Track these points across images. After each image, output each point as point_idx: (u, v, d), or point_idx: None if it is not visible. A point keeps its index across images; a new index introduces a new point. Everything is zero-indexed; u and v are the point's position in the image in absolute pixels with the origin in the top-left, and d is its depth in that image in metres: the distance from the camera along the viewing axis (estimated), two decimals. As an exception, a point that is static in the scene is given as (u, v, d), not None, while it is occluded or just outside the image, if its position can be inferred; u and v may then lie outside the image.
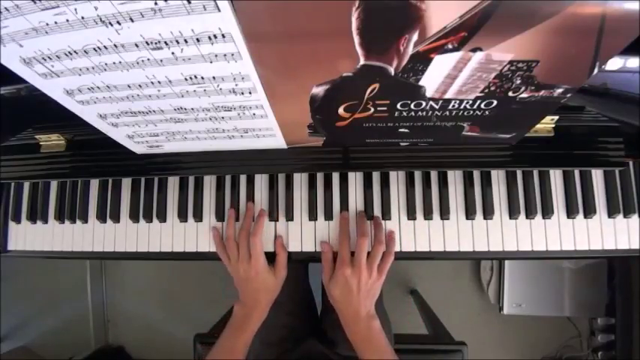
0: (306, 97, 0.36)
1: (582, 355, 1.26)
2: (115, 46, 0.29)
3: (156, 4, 0.25)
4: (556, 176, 0.55)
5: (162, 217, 0.60)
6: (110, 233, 0.61)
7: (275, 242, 0.58)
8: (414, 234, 0.56)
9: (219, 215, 0.59)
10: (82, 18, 0.26)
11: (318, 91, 0.35)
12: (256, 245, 0.55)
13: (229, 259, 0.56)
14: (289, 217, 0.58)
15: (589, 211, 0.54)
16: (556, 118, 0.48)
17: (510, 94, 0.35)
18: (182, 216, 0.60)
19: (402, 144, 0.50)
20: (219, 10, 0.25)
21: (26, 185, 0.65)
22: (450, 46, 0.29)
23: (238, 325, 0.56)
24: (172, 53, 0.29)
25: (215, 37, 0.28)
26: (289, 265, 0.59)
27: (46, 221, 0.63)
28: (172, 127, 0.43)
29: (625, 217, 0.54)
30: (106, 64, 0.31)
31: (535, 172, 0.55)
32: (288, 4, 0.25)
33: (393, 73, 0.32)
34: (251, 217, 0.58)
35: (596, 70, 0.30)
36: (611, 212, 0.54)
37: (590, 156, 0.50)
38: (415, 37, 0.28)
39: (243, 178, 0.59)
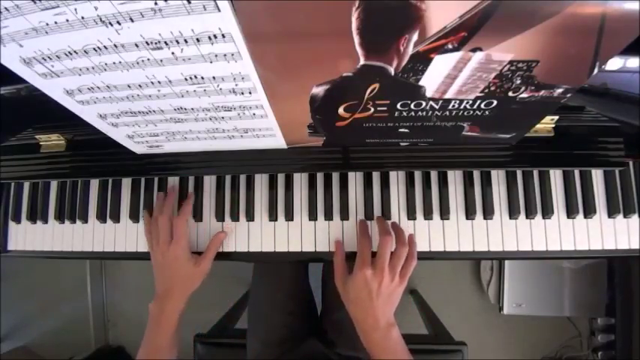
0: (306, 97, 0.36)
1: (582, 355, 1.26)
2: (115, 46, 0.29)
3: (156, 4, 0.25)
4: (556, 176, 0.55)
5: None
6: (110, 233, 0.61)
7: (216, 235, 0.57)
8: (415, 234, 0.56)
9: (220, 215, 0.59)
10: (82, 18, 0.26)
11: (318, 91, 0.35)
12: (179, 226, 0.54)
13: (152, 243, 0.55)
14: (289, 217, 0.58)
15: (589, 211, 0.54)
16: (556, 118, 0.48)
17: (510, 94, 0.35)
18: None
19: (402, 144, 0.50)
20: (219, 10, 0.25)
21: (26, 185, 0.65)
22: (450, 46, 0.29)
23: (154, 325, 0.53)
24: (172, 53, 0.29)
25: (215, 37, 0.28)
26: (289, 265, 0.58)
27: (46, 221, 0.63)
28: (172, 127, 0.43)
29: (625, 217, 0.54)
30: (106, 64, 0.31)
31: (535, 172, 0.55)
32: (288, 4, 0.25)
33: (393, 73, 0.32)
34: (172, 202, 0.57)
35: (596, 70, 0.30)
36: (611, 212, 0.54)
37: (590, 156, 0.50)
38: (415, 37, 0.28)
39: (243, 178, 0.59)
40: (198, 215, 0.59)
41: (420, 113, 0.39)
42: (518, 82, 0.33)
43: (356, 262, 0.50)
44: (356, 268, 0.49)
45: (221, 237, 0.57)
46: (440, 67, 0.31)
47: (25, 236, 0.64)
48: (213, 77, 0.33)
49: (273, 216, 0.58)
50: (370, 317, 0.48)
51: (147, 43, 0.28)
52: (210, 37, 0.28)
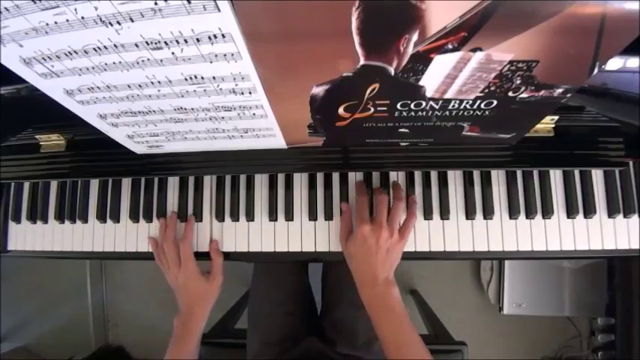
0: (306, 97, 0.36)
1: (582, 355, 1.26)
2: (115, 46, 0.29)
3: (156, 4, 0.25)
4: (556, 176, 0.55)
5: (163, 217, 0.60)
6: (110, 233, 0.61)
7: (210, 246, 0.58)
8: (414, 234, 0.56)
9: (220, 215, 0.59)
10: (82, 18, 0.26)
11: (318, 91, 0.35)
12: (185, 250, 0.55)
13: (164, 267, 0.57)
14: (289, 217, 0.58)
15: (589, 211, 0.54)
16: (556, 118, 0.48)
17: (510, 94, 0.35)
18: (182, 216, 0.59)
19: (402, 144, 0.50)
20: (219, 10, 0.25)
21: (26, 185, 0.65)
22: (450, 46, 0.29)
23: (177, 338, 0.55)
24: (172, 53, 0.29)
25: (215, 37, 0.28)
26: (289, 264, 0.58)
27: (46, 221, 0.63)
28: (172, 127, 0.43)
29: (625, 217, 0.54)
30: (106, 64, 0.31)
31: (535, 172, 0.55)
32: (288, 4, 0.25)
33: (393, 73, 0.32)
34: (174, 226, 0.58)
35: (596, 70, 0.30)
36: (611, 212, 0.54)
37: (590, 156, 0.50)
38: (415, 37, 0.28)
39: (243, 178, 0.59)
40: (198, 215, 0.59)
41: (420, 113, 0.39)
42: (518, 82, 0.33)
43: (355, 220, 0.51)
44: (355, 225, 0.51)
45: (215, 245, 0.58)
46: (440, 67, 0.31)
47: (25, 236, 0.64)
48: (214, 77, 0.33)
49: (273, 216, 0.58)
50: (369, 272, 0.49)
51: (147, 43, 0.28)
52: (210, 37, 0.28)
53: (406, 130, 0.44)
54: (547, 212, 0.54)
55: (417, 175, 0.57)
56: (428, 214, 0.56)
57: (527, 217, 0.55)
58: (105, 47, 0.29)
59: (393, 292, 0.49)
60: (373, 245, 0.48)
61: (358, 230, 0.50)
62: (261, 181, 0.59)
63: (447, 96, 0.36)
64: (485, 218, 0.55)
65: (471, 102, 0.37)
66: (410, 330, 0.47)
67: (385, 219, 0.50)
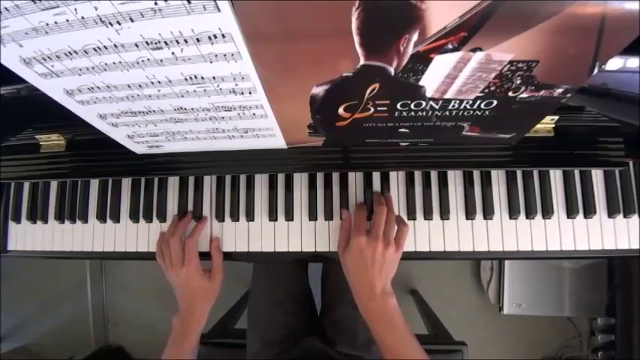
0: (306, 97, 0.36)
1: (582, 355, 1.26)
2: (115, 46, 0.29)
3: (156, 4, 0.25)
4: (556, 176, 0.55)
5: (163, 217, 0.60)
6: (110, 233, 0.61)
7: (210, 245, 0.58)
8: (414, 234, 0.56)
9: (220, 216, 0.59)
10: (82, 18, 0.26)
11: (318, 91, 0.35)
12: (190, 248, 0.55)
13: (165, 264, 0.56)
14: (289, 217, 0.58)
15: (589, 211, 0.54)
16: (556, 118, 0.48)
17: (510, 94, 0.35)
18: (182, 216, 0.59)
19: (402, 144, 0.50)
20: (219, 10, 0.25)
21: (26, 185, 0.65)
22: (450, 46, 0.29)
23: (176, 338, 0.54)
24: (172, 53, 0.29)
25: (215, 37, 0.28)
26: (289, 265, 0.58)
27: (46, 221, 0.63)
28: (172, 127, 0.43)
29: (625, 217, 0.54)
30: (106, 64, 0.31)
31: (535, 172, 0.55)
32: (288, 4, 0.25)
33: (393, 73, 0.32)
34: (186, 224, 0.58)
35: (596, 70, 0.30)
36: (611, 212, 0.54)
37: (590, 156, 0.50)
38: (415, 37, 0.28)
39: (243, 178, 0.59)
40: (197, 216, 0.59)
41: (420, 113, 0.39)
42: (518, 82, 0.33)
43: (351, 232, 0.51)
44: (352, 236, 0.51)
45: (216, 243, 0.58)
46: (440, 67, 0.31)
47: (25, 236, 0.64)
48: (213, 77, 0.33)
49: (273, 216, 0.58)
50: (366, 285, 0.49)
51: (147, 43, 0.28)
52: (210, 37, 0.28)
53: (406, 130, 0.44)
54: (547, 212, 0.54)
55: (417, 175, 0.57)
56: (428, 214, 0.56)
57: (527, 217, 0.55)
58: (105, 47, 0.29)
59: (391, 302, 0.49)
60: (369, 257, 0.49)
61: (354, 241, 0.50)
62: (261, 181, 0.59)
63: (447, 96, 0.36)
64: (485, 218, 0.55)
65: (471, 102, 0.37)
66: (409, 339, 0.48)
67: (382, 231, 0.50)
